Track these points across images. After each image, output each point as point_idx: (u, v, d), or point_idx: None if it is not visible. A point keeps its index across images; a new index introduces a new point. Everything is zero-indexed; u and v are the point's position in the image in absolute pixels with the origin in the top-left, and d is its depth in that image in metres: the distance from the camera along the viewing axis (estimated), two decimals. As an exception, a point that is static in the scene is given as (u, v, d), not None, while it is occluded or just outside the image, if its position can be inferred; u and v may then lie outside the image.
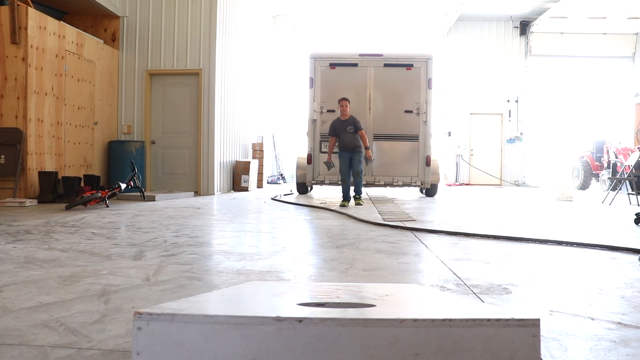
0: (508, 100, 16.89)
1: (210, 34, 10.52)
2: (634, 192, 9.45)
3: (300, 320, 1.24)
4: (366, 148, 8.14)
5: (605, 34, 16.68)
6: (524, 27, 16.77)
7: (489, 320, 1.24)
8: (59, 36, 8.79)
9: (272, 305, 1.55)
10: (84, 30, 9.91)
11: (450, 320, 1.23)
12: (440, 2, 14.67)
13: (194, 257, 3.60)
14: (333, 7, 15.29)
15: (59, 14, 10.15)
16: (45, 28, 8.41)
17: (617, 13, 15.18)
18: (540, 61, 16.97)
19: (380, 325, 1.23)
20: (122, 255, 3.62)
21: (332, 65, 10.22)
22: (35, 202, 7.79)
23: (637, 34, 16.70)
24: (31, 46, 8.07)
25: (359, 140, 8.09)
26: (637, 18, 15.63)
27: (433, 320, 1.23)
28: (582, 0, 14.05)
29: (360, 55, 10.27)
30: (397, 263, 3.48)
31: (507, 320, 1.24)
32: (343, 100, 8.26)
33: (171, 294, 2.58)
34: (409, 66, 10.16)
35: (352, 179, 8.14)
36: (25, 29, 7.98)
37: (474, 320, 1.23)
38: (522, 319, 1.25)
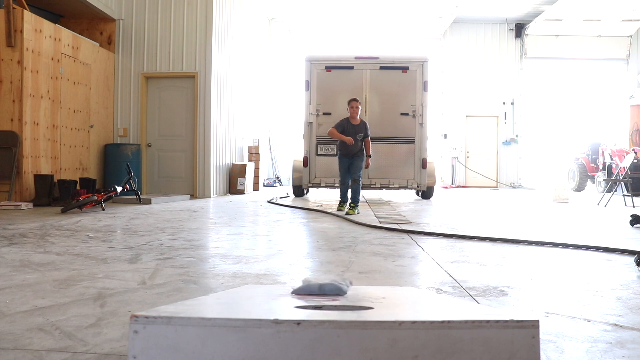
0: (504, 103, 16.94)
1: (206, 37, 10.51)
2: (629, 194, 9.48)
3: (298, 322, 1.23)
4: (368, 156, 7.62)
5: (600, 36, 16.75)
6: (519, 29, 16.83)
7: (488, 321, 1.23)
8: (55, 39, 8.77)
9: (269, 308, 1.54)
10: (79, 34, 9.89)
11: (449, 322, 1.23)
12: (435, 4, 14.71)
13: (190, 260, 3.59)
14: (329, 10, 15.31)
15: (55, 17, 10.12)
16: (41, 31, 8.39)
17: (612, 16, 15.26)
18: (536, 63, 17.03)
19: (378, 328, 1.23)
20: (118, 258, 3.61)
21: (328, 68, 10.22)
22: (30, 205, 7.76)
23: (631, 36, 16.78)
24: (27, 49, 8.05)
25: (362, 145, 7.54)
26: (631, 20, 15.71)
27: (432, 322, 1.23)
28: (577, 3, 14.11)
29: (356, 57, 10.28)
30: (393, 266, 3.47)
31: (507, 321, 1.24)
32: (354, 101, 7.51)
33: (167, 297, 2.57)
34: (404, 69, 10.18)
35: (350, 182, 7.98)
36: (21, 31, 7.95)
37: (473, 322, 1.23)
38: (522, 321, 1.24)
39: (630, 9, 14.65)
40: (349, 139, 7.37)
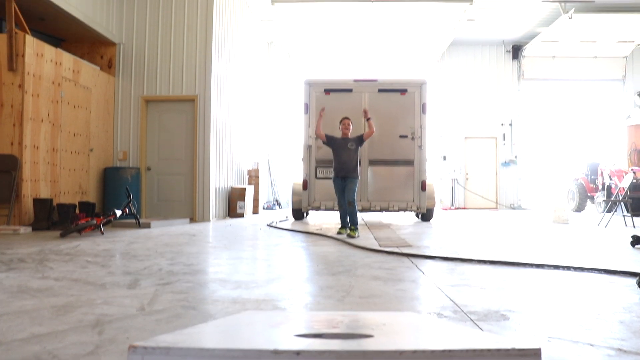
0: (502, 124, 17.03)
1: (206, 60, 10.60)
2: (629, 214, 9.47)
3: (297, 352, 1.22)
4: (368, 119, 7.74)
5: (596, 57, 16.93)
6: (516, 51, 17.01)
7: (489, 350, 1.22)
8: (56, 63, 8.84)
9: (269, 337, 1.52)
10: (80, 57, 9.98)
11: (450, 351, 1.22)
12: (433, 27, 14.88)
13: (189, 285, 3.57)
14: (328, 34, 15.48)
15: (56, 41, 10.23)
16: (42, 55, 8.46)
17: (607, 37, 15.44)
18: (533, 85, 17.18)
19: (379, 357, 1.22)
20: (117, 284, 3.58)
21: (327, 91, 10.29)
22: (29, 229, 7.73)
23: (626, 57, 16.96)
24: (28, 73, 8.11)
25: (356, 162, 7.61)
26: (626, 42, 15.89)
27: (433, 352, 1.22)
28: (573, 25, 14.28)
29: (355, 81, 10.36)
30: (393, 290, 3.45)
31: (508, 350, 1.23)
32: (346, 119, 7.75)
33: (166, 323, 2.54)
34: (403, 91, 10.25)
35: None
36: (23, 56, 8.03)
37: (474, 350, 1.22)
38: (523, 349, 1.23)
39: (625, 30, 14.83)
40: (321, 135, 7.79)
